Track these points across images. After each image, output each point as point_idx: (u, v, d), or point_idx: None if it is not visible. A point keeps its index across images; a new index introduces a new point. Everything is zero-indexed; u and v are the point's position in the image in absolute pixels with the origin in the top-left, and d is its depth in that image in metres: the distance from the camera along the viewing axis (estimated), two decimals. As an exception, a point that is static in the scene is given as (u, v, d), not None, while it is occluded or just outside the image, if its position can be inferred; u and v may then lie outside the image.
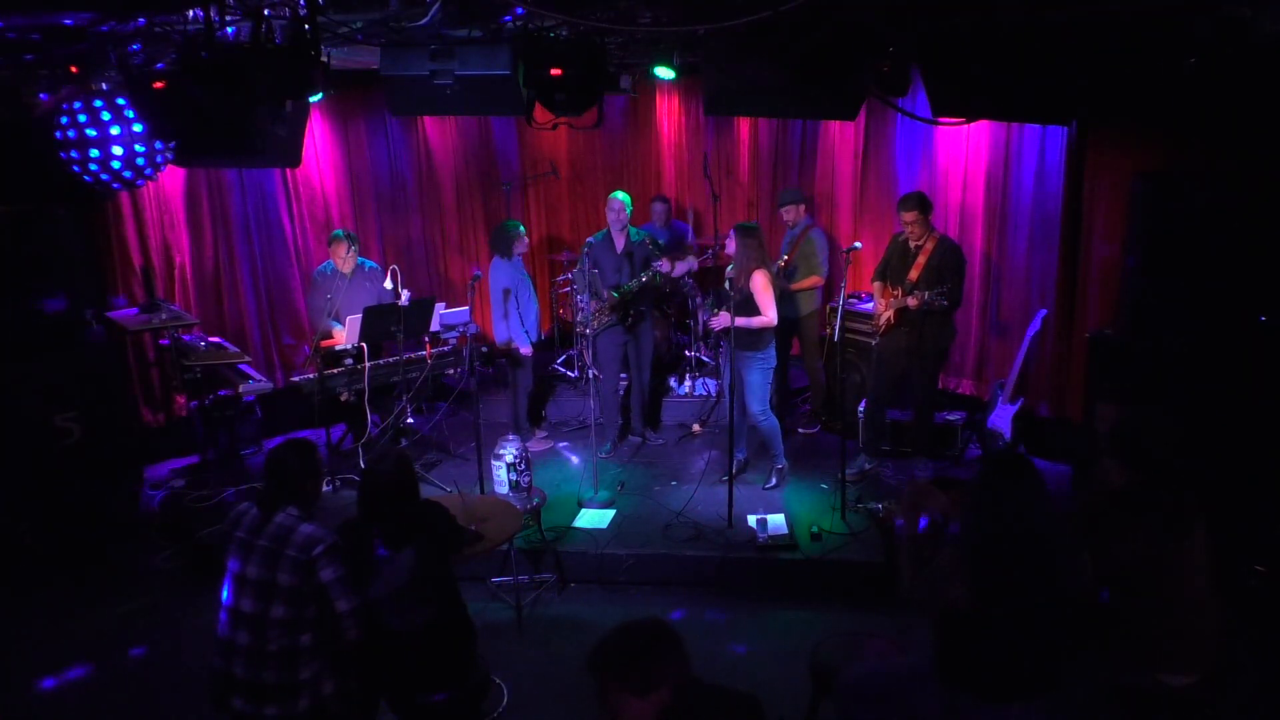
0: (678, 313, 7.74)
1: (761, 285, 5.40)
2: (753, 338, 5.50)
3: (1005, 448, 5.79)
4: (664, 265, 6.26)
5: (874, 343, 5.96)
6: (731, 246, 5.48)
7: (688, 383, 7.29)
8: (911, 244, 5.58)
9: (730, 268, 5.61)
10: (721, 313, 5.45)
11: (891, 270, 5.71)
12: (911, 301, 5.42)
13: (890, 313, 5.65)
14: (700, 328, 7.33)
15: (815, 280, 6.55)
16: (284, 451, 3.16)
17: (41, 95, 5.00)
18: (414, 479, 3.28)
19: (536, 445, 6.60)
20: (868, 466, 5.98)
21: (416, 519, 3.24)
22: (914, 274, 5.53)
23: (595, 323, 6.22)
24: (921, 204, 5.49)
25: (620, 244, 6.27)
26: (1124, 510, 2.85)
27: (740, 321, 5.37)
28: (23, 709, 4.28)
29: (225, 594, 3.08)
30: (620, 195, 6.31)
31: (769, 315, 5.42)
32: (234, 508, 3.20)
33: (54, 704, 4.29)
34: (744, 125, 7.98)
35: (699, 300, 7.39)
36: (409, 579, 3.13)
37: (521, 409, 6.65)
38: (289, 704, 3.00)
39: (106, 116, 4.73)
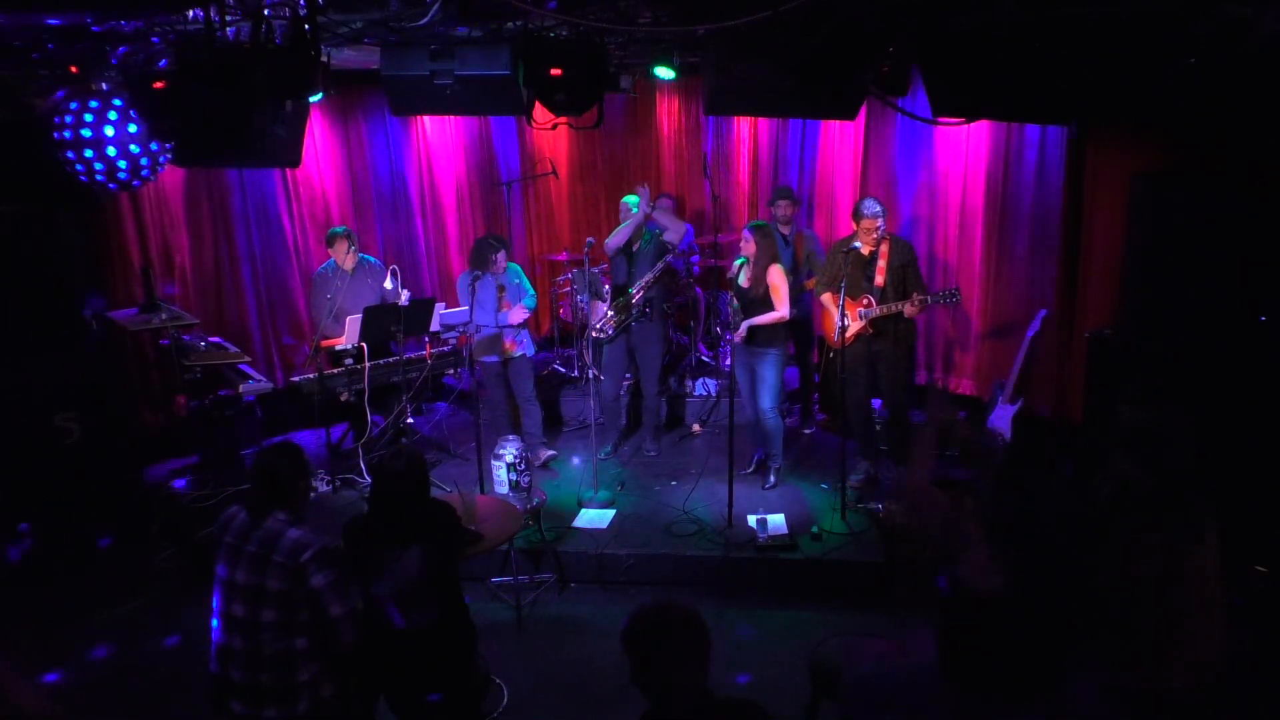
0: (678, 313, 7.73)
1: (778, 279, 5.49)
2: (771, 333, 5.54)
3: (1008, 447, 5.77)
4: (679, 263, 6.34)
5: (831, 354, 5.79)
6: (749, 247, 5.51)
7: (688, 383, 7.29)
8: (866, 250, 5.48)
9: (736, 268, 5.61)
10: (741, 325, 5.53)
11: (851, 280, 5.44)
12: (911, 309, 5.37)
13: (863, 323, 5.54)
14: (722, 332, 7.33)
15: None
16: (271, 455, 3.11)
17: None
18: (426, 479, 3.28)
19: (547, 451, 6.44)
20: (873, 472, 5.95)
21: (425, 518, 3.24)
22: (880, 279, 5.48)
23: (612, 325, 6.19)
24: (884, 210, 5.47)
25: (635, 244, 6.27)
26: (1140, 516, 2.82)
27: (760, 320, 5.50)
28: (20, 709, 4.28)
29: (216, 599, 3.05)
30: (632, 199, 6.36)
31: (783, 310, 5.49)
32: (223, 512, 3.16)
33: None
34: (744, 125, 7.98)
35: (704, 299, 7.40)
36: (414, 578, 3.13)
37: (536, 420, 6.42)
38: (288, 706, 2.99)
39: (106, 117, 4.74)
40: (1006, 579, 2.52)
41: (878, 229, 5.41)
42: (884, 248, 5.47)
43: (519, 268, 6.39)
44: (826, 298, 5.69)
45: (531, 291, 6.31)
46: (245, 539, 3.01)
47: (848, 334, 5.53)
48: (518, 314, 6.07)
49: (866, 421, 5.95)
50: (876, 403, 6.18)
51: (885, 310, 5.44)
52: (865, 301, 5.52)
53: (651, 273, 6.08)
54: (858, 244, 5.48)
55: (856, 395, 5.79)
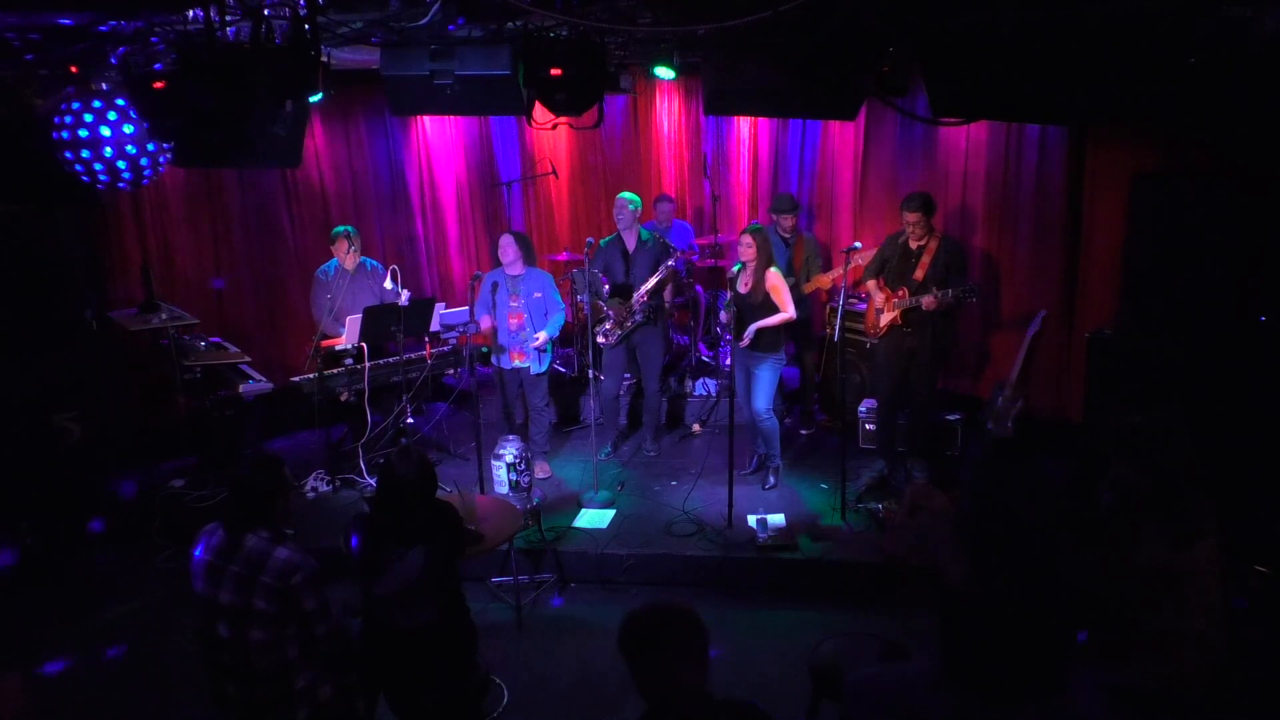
0: (678, 313, 7.73)
1: (777, 282, 5.49)
2: (772, 337, 5.55)
3: (997, 435, 5.75)
4: (680, 263, 6.30)
5: (869, 345, 5.90)
6: (749, 252, 5.50)
7: (688, 383, 7.29)
8: (913, 244, 5.52)
9: (734, 273, 5.59)
10: (747, 330, 5.50)
11: (891, 271, 5.64)
12: (929, 301, 5.35)
13: (896, 314, 5.60)
14: (721, 332, 7.31)
15: (824, 280, 6.56)
16: (251, 471, 3.01)
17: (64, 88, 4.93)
18: (434, 480, 3.27)
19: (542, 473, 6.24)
20: (886, 472, 5.92)
21: (430, 519, 3.24)
22: (919, 274, 5.48)
23: (618, 331, 6.17)
24: (925, 205, 5.42)
25: (631, 244, 6.24)
26: (1140, 516, 2.82)
27: (767, 323, 5.48)
28: (21, 709, 4.28)
29: (197, 615, 2.99)
30: (627, 195, 6.29)
31: (789, 311, 5.50)
32: (200, 529, 3.08)
33: (53, 704, 4.30)
34: (744, 125, 7.98)
35: (704, 298, 7.40)
36: (416, 578, 3.13)
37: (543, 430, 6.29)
38: (288, 714, 2.98)
39: (106, 117, 4.74)
40: (966, 569, 2.51)
41: (913, 223, 5.42)
42: (931, 244, 5.49)
43: (549, 277, 6.11)
44: (869, 284, 5.77)
45: (561, 306, 6.04)
46: (228, 559, 2.92)
47: (882, 322, 5.65)
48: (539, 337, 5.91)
49: (889, 419, 5.94)
50: (869, 403, 6.18)
51: (914, 302, 5.45)
52: (901, 293, 5.54)
53: (655, 277, 6.07)
54: (905, 238, 5.54)
55: (886, 389, 5.81)
